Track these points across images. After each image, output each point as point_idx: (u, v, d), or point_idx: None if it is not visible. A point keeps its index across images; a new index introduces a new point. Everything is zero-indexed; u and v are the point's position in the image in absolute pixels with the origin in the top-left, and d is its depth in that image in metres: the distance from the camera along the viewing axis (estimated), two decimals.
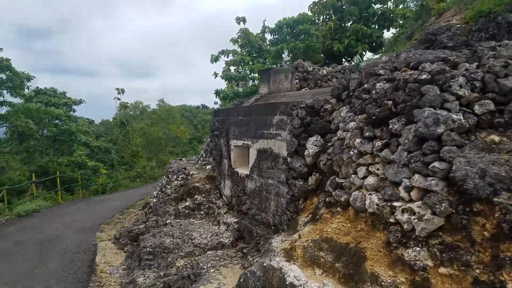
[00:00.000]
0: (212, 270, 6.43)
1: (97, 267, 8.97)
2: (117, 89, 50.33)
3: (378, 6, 19.53)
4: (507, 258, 3.08)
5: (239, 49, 24.59)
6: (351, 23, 20.10)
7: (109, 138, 45.13)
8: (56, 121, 34.51)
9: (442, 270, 3.40)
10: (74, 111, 39.15)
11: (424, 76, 4.38)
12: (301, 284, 4.33)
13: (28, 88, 29.37)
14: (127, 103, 51.19)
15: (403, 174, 4.11)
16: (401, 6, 20.34)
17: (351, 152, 5.11)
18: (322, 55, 21.96)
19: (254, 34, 24.66)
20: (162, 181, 13.33)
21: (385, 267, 3.85)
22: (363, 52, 18.87)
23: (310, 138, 6.53)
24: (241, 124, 8.68)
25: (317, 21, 24.11)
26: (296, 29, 25.18)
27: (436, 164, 3.73)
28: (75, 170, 30.39)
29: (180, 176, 11.38)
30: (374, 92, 5.07)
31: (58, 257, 9.64)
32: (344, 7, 19.77)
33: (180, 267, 7.14)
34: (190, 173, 11.51)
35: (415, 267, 3.56)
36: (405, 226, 3.86)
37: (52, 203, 20.85)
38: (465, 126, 3.90)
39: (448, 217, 3.57)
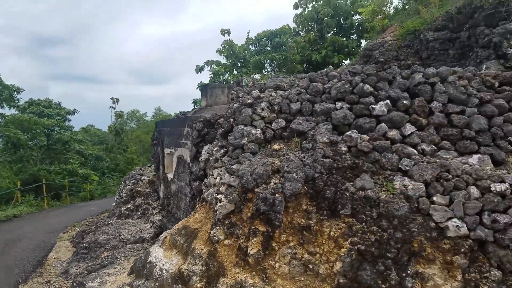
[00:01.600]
0: (123, 259, 7.81)
1: (46, 262, 10.36)
2: (112, 98, 52.05)
3: (356, 17, 20.42)
4: (256, 230, 4.42)
5: (225, 60, 26.00)
6: (330, 34, 21.21)
7: (105, 146, 46.61)
8: (48, 131, 36.19)
9: (226, 241, 4.75)
10: (68, 120, 40.79)
11: (249, 101, 5.76)
12: (156, 261, 5.70)
13: (18, 100, 31.07)
14: (122, 111, 52.94)
15: (225, 174, 5.48)
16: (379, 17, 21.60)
17: (211, 158, 6.49)
18: (302, 65, 22.95)
19: (239, 45, 26.05)
20: (121, 186, 14.76)
21: (202, 243, 5.20)
22: (341, 62, 19.85)
23: (204, 147, 7.91)
24: (170, 134, 10.11)
25: (300, 32, 25.31)
26: (273, 41, 26.53)
27: (234, 166, 5.10)
28: (66, 178, 31.91)
29: (131, 181, 12.79)
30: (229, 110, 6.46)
31: (15, 254, 11.05)
32: (325, 19, 20.81)
33: (103, 257, 8.53)
34: (142, 178, 12.92)
35: (213, 241, 4.90)
36: (217, 212, 5.21)
37: (36, 209, 22.31)
38: (261, 138, 5.27)
39: (237, 203, 4.91)
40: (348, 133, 4.82)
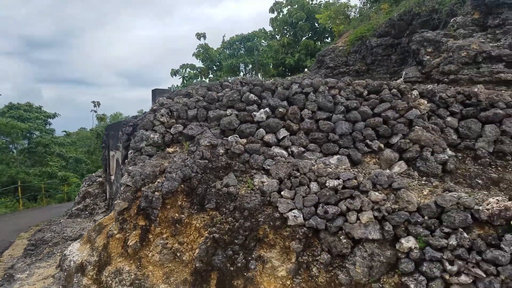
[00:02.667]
0: (58, 255, 8.35)
1: (0, 258, 10.83)
2: (93, 101, 52.31)
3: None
4: (136, 225, 5.02)
5: (201, 63, 26.44)
6: (304, 38, 21.75)
7: (87, 149, 46.74)
8: (28, 134, 36.38)
9: (117, 235, 5.34)
10: (49, 124, 40.92)
11: (154, 107, 6.35)
12: (69, 254, 6.27)
13: None
14: (105, 115, 53.20)
15: (124, 174, 6.06)
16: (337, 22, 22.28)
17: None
18: (277, 69, 23.38)
19: (215, 49, 26.53)
20: (81, 187, 15.24)
21: (103, 237, 5.77)
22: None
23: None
24: (113, 137, 10.67)
25: (276, 36, 25.83)
26: (245, 45, 27.06)
27: (130, 168, 5.69)
28: (45, 180, 32.13)
29: (87, 183, 13.30)
30: None
31: None
32: (299, 23, 21.28)
33: (44, 253, 9.06)
34: (97, 180, 13.43)
35: (108, 235, 5.48)
36: (115, 209, 5.79)
37: (11, 210, 22.60)
38: (159, 142, 5.88)
39: (129, 201, 5.48)
40: (230, 137, 5.45)
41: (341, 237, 4.32)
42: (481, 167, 5.20)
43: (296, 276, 4.30)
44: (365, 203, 4.30)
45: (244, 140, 5.43)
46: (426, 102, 5.75)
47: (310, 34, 22.06)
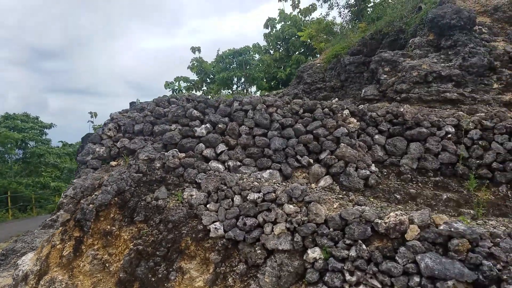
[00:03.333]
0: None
1: None
2: (90, 112, 52.70)
3: None
4: (71, 236, 5.26)
5: (195, 76, 26.92)
6: (297, 53, 22.32)
7: None
8: (23, 144, 36.75)
9: (58, 246, 5.56)
10: (46, 134, 41.28)
11: (106, 121, 6.66)
12: (21, 264, 6.47)
13: None
14: (100, 125, 53.64)
15: (70, 187, 6.33)
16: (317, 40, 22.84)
17: None
18: (269, 83, 23.85)
19: (209, 62, 27.04)
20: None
21: (49, 248, 6.00)
22: None
23: None
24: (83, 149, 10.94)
25: (270, 51, 26.38)
26: (237, 59, 27.58)
27: (74, 180, 5.96)
28: (37, 190, 32.29)
29: (64, 193, 13.55)
30: None
31: None
32: (291, 38, 21.91)
33: (12, 263, 9.27)
34: None
35: (52, 245, 5.70)
36: (59, 220, 6.03)
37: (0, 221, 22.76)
38: (104, 155, 6.16)
39: (71, 213, 5.72)
40: (169, 152, 5.74)
41: (256, 248, 4.55)
42: (403, 183, 5.46)
43: (213, 286, 4.52)
44: (279, 215, 4.55)
45: (183, 154, 5.72)
46: (355, 120, 6.05)
47: (302, 50, 22.65)
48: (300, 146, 5.77)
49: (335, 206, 4.62)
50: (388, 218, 4.17)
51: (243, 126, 5.95)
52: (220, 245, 4.65)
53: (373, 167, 5.66)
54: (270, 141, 5.84)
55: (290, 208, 4.55)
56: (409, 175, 5.54)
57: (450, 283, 3.69)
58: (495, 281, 3.63)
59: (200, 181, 5.32)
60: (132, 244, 4.84)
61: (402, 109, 6.03)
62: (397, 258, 3.98)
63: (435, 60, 9.36)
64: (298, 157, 5.71)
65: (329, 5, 19.94)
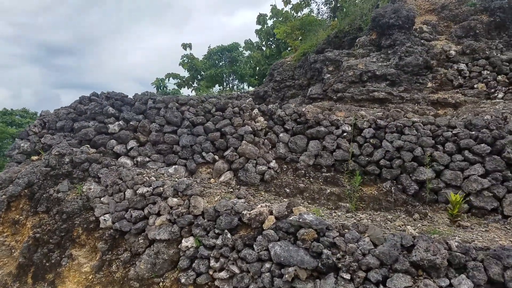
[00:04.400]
0: None
1: None
2: None
3: None
4: None
5: (187, 73, 27.18)
6: (288, 49, 22.43)
7: None
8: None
9: None
10: None
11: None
12: None
13: None
14: None
15: None
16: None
17: None
18: (258, 79, 23.96)
19: (200, 59, 27.24)
20: None
21: None
22: None
23: None
24: None
25: (263, 47, 26.54)
26: (224, 56, 27.78)
27: (1, 174, 6.31)
28: None
29: None
30: None
31: None
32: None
33: None
34: None
35: None
36: None
37: None
38: (28, 150, 6.50)
39: None
40: (81, 148, 6.06)
41: (139, 238, 4.87)
42: (296, 178, 5.74)
43: (98, 272, 4.84)
44: (161, 207, 4.86)
45: (94, 150, 6.04)
46: (263, 119, 6.33)
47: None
48: (207, 143, 6.07)
49: (216, 199, 4.92)
50: (253, 209, 4.47)
51: (154, 123, 6.26)
52: (107, 235, 4.97)
53: (272, 163, 5.95)
54: (179, 138, 6.14)
55: (173, 201, 4.86)
56: (303, 171, 5.81)
57: (291, 269, 3.98)
58: (333, 269, 3.91)
59: (101, 175, 5.64)
60: (32, 232, 5.18)
61: (304, 109, 6.30)
62: (254, 246, 4.27)
63: (375, 60, 9.59)
64: (204, 153, 6.01)
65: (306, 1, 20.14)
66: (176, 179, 5.48)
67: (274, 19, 24.01)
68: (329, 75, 9.95)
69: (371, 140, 5.74)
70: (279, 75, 14.21)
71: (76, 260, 4.92)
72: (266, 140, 6.21)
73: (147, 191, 5.07)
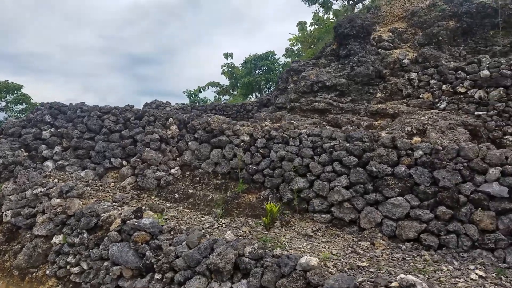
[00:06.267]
0: None
1: None
2: None
3: None
4: None
5: (228, 80, 28.43)
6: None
7: None
8: None
9: None
10: None
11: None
12: None
13: None
14: None
15: None
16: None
17: None
18: None
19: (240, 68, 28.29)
20: None
21: None
22: None
23: None
24: None
25: (302, 53, 26.97)
26: (259, 64, 28.38)
27: None
28: None
29: None
30: None
31: None
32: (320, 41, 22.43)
33: None
34: None
35: None
36: None
37: None
38: None
39: None
40: (15, 152, 6.85)
41: (27, 233, 5.43)
42: (191, 184, 5.95)
43: None
44: (45, 206, 5.39)
45: (26, 154, 6.79)
46: (175, 128, 6.65)
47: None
48: (119, 149, 6.54)
49: (92, 201, 5.33)
50: (106, 212, 4.81)
51: (76, 130, 6.88)
52: (5, 228, 5.60)
53: (174, 170, 6.23)
54: (96, 144, 6.68)
55: (56, 201, 5.36)
56: (198, 177, 6.01)
57: (116, 268, 4.26)
58: (151, 269, 4.12)
59: (19, 176, 6.33)
60: None
61: (209, 119, 6.50)
62: (100, 245, 4.60)
63: (332, 70, 9.46)
64: (113, 159, 6.48)
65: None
66: (79, 182, 6.00)
67: (315, 26, 23.99)
68: (292, 85, 9.97)
69: (260, 150, 5.78)
70: (282, 83, 14.42)
71: None
72: (174, 148, 6.52)
73: (40, 191, 5.63)
